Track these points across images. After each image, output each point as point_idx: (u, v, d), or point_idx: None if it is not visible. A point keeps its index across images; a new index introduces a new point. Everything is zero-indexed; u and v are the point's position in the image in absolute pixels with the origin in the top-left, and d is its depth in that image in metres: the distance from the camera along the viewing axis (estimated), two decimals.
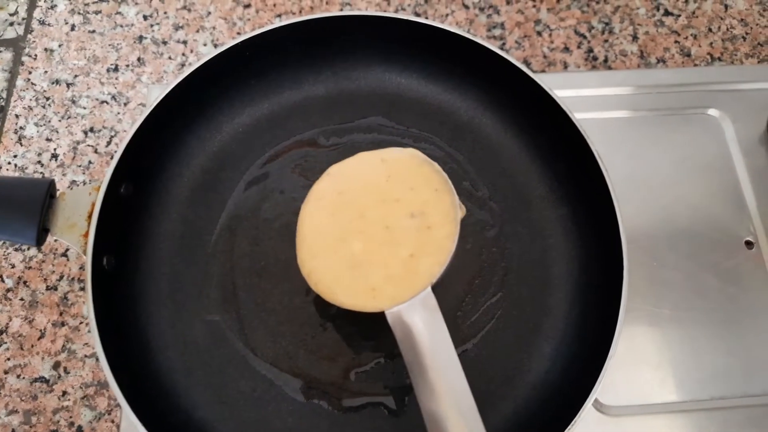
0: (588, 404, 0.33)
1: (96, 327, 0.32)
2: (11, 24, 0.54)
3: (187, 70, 0.38)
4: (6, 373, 0.43)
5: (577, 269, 0.40)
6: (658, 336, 0.43)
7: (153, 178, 0.40)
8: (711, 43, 0.55)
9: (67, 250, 0.46)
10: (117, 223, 0.37)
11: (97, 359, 0.43)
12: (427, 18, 0.49)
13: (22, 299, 0.45)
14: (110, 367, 0.31)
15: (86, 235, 0.34)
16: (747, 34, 0.56)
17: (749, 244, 0.46)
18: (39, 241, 0.34)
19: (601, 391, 0.34)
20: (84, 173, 0.48)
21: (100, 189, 0.35)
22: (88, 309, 0.33)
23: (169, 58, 0.53)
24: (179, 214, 0.41)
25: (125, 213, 0.38)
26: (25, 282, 0.45)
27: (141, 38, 0.53)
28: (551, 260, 0.40)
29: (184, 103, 0.40)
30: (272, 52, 0.42)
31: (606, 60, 0.54)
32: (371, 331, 0.39)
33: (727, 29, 0.56)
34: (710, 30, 0.56)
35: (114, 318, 0.35)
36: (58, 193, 0.36)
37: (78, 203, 0.35)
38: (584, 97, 0.50)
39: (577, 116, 0.39)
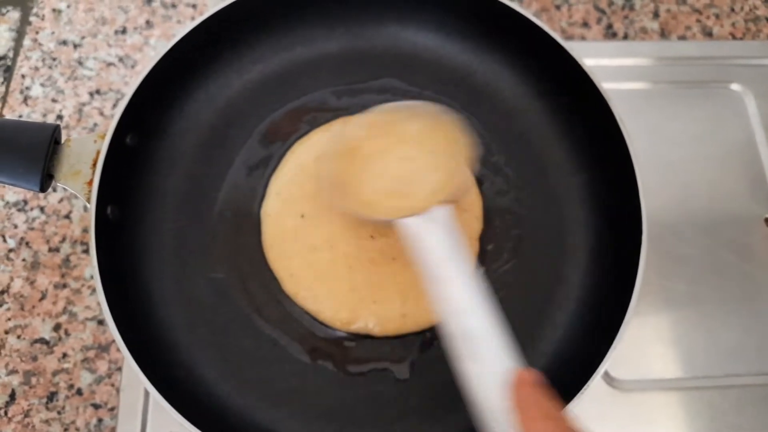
0: (598, 374, 0.32)
1: (99, 276, 0.32)
2: None
3: (196, 21, 0.38)
4: (6, 333, 0.42)
5: (594, 238, 0.39)
6: (671, 311, 0.42)
7: (159, 131, 0.39)
8: (733, 23, 0.54)
9: (70, 212, 0.45)
10: (122, 174, 0.36)
11: (99, 322, 0.42)
12: None
13: (24, 260, 0.44)
14: (112, 317, 0.31)
15: (91, 183, 0.34)
16: None
17: None
18: (43, 187, 0.33)
19: (612, 364, 0.33)
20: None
21: (106, 137, 0.34)
22: (91, 258, 0.32)
23: (178, 21, 0.52)
24: (185, 170, 0.40)
25: (130, 164, 0.37)
26: (27, 243, 0.44)
27: (150, 0, 0.52)
28: (567, 228, 0.39)
29: (192, 55, 0.39)
30: (283, 6, 0.41)
31: (626, 36, 0.53)
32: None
33: (750, 9, 0.55)
34: (732, 10, 0.55)
35: (117, 269, 0.34)
36: (63, 139, 0.35)
37: (83, 151, 0.34)
38: (602, 67, 0.49)
39: None
